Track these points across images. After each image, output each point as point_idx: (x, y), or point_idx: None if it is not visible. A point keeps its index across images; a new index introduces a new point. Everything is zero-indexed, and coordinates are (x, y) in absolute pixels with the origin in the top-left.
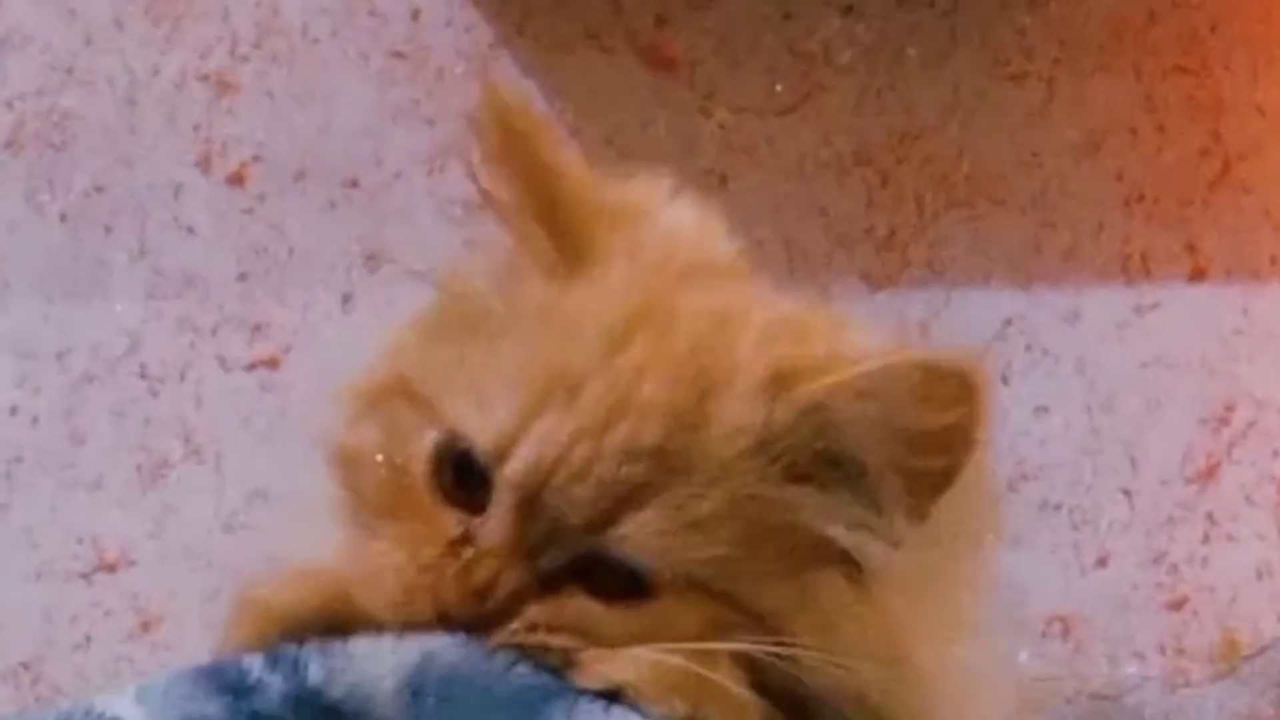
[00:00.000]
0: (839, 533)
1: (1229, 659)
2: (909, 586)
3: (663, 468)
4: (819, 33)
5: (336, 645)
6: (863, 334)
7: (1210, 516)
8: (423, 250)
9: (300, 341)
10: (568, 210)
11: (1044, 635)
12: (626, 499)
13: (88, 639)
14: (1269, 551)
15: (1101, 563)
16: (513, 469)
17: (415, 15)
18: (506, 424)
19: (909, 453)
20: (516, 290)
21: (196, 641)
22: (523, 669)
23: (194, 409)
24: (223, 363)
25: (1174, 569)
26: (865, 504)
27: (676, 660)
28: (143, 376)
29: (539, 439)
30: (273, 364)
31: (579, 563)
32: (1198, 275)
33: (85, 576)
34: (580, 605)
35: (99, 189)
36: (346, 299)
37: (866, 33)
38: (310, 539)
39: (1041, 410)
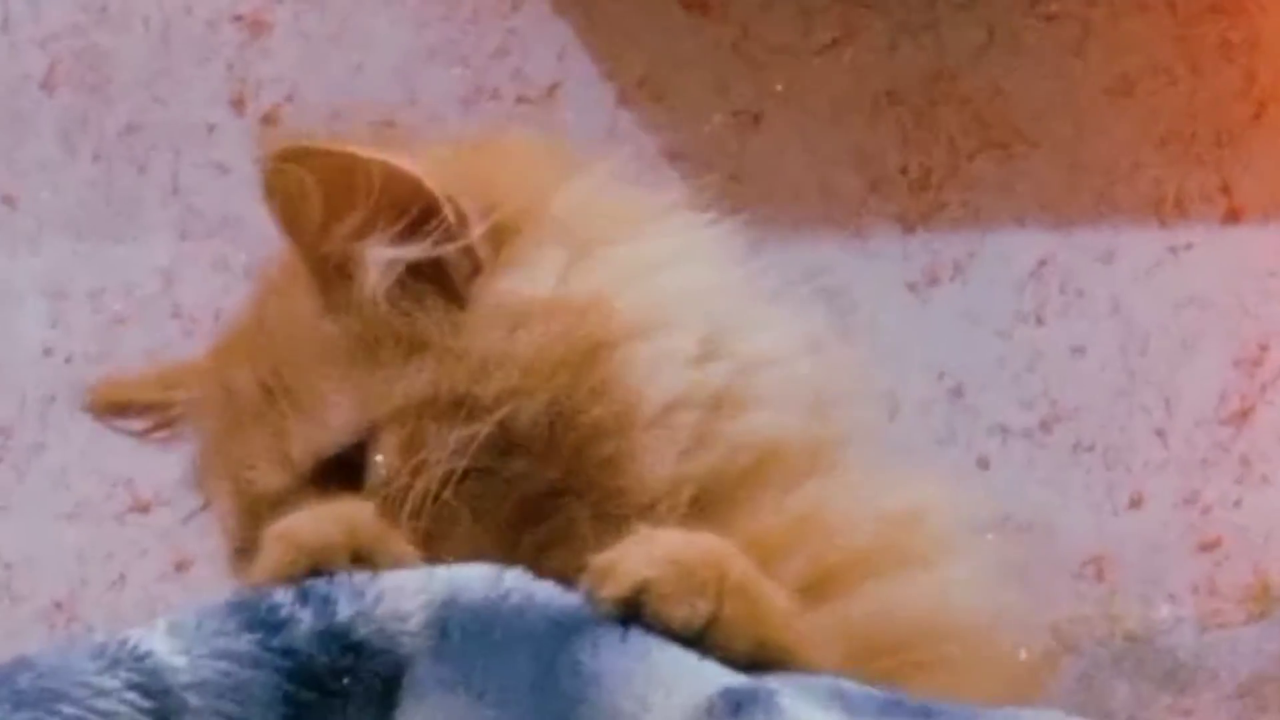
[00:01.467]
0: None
1: (1262, 600)
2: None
3: (281, 390)
4: None
5: (366, 580)
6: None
7: (1244, 458)
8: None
9: None
10: None
11: (1078, 576)
12: (281, 442)
13: (122, 578)
14: None
15: (1135, 504)
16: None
17: None
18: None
19: (348, 216)
20: None
21: (230, 582)
22: (545, 595)
23: None
24: None
25: (1207, 510)
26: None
27: (693, 548)
28: (176, 316)
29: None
30: None
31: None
32: (1232, 216)
33: (119, 516)
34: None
35: (132, 128)
36: None
37: None
38: None
39: (1076, 351)
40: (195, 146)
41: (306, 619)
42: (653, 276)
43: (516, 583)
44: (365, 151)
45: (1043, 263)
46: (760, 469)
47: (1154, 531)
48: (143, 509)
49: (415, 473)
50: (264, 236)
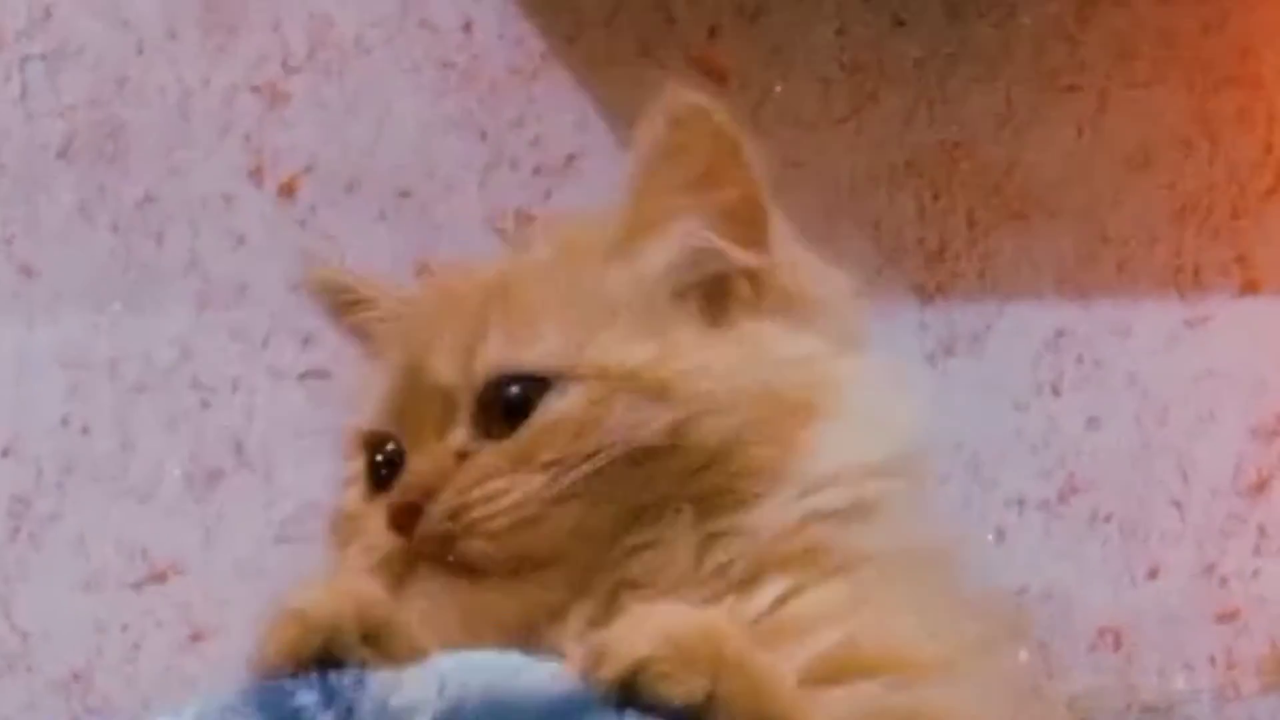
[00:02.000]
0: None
1: (1278, 672)
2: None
3: (494, 307)
4: (871, 45)
5: (388, 679)
6: None
7: (1261, 529)
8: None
9: (351, 352)
10: None
11: (1095, 647)
12: (472, 342)
13: (138, 649)
14: None
15: (1152, 574)
16: (393, 392)
17: (467, 26)
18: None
19: (703, 192)
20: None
21: (247, 653)
22: (547, 676)
23: (245, 419)
24: (274, 373)
25: (1224, 581)
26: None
27: (688, 625)
28: (194, 386)
29: (397, 369)
30: (323, 374)
31: (480, 416)
32: (1249, 288)
33: (136, 586)
34: (481, 455)
35: (151, 199)
36: None
37: (918, 44)
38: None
39: (1093, 422)
40: (213, 217)
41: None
42: (882, 393)
43: (524, 672)
44: (748, 150)
45: (1060, 334)
46: (848, 566)
47: (1171, 602)
48: (159, 578)
49: (579, 434)
50: (280, 307)
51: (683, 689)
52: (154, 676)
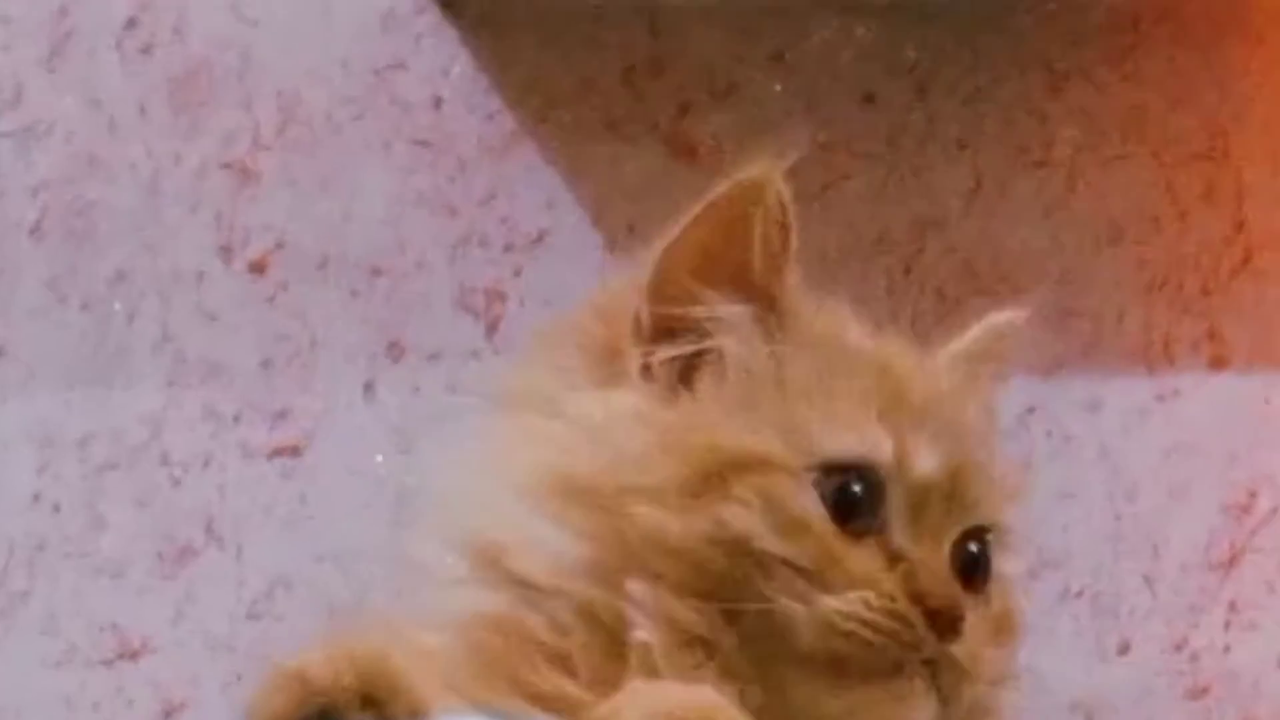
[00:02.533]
0: None
1: None
2: None
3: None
4: (840, 122)
5: None
6: None
7: (1232, 604)
8: (445, 339)
9: (322, 429)
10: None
11: None
12: (985, 470)
13: None
14: None
15: (1123, 650)
16: (931, 467)
17: (437, 103)
18: (890, 437)
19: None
20: (794, 344)
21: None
22: None
23: (216, 496)
24: (245, 450)
25: (1196, 657)
26: None
27: (687, 701)
28: (164, 464)
29: (932, 436)
30: (295, 452)
31: (956, 549)
32: (1219, 363)
33: (107, 664)
34: (971, 604)
35: (121, 276)
36: (368, 387)
37: (888, 121)
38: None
39: (1064, 498)
40: (184, 294)
41: None
42: None
43: None
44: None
45: (1030, 410)
46: None
47: (1143, 678)
48: (131, 656)
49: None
50: (251, 384)
51: None
52: None
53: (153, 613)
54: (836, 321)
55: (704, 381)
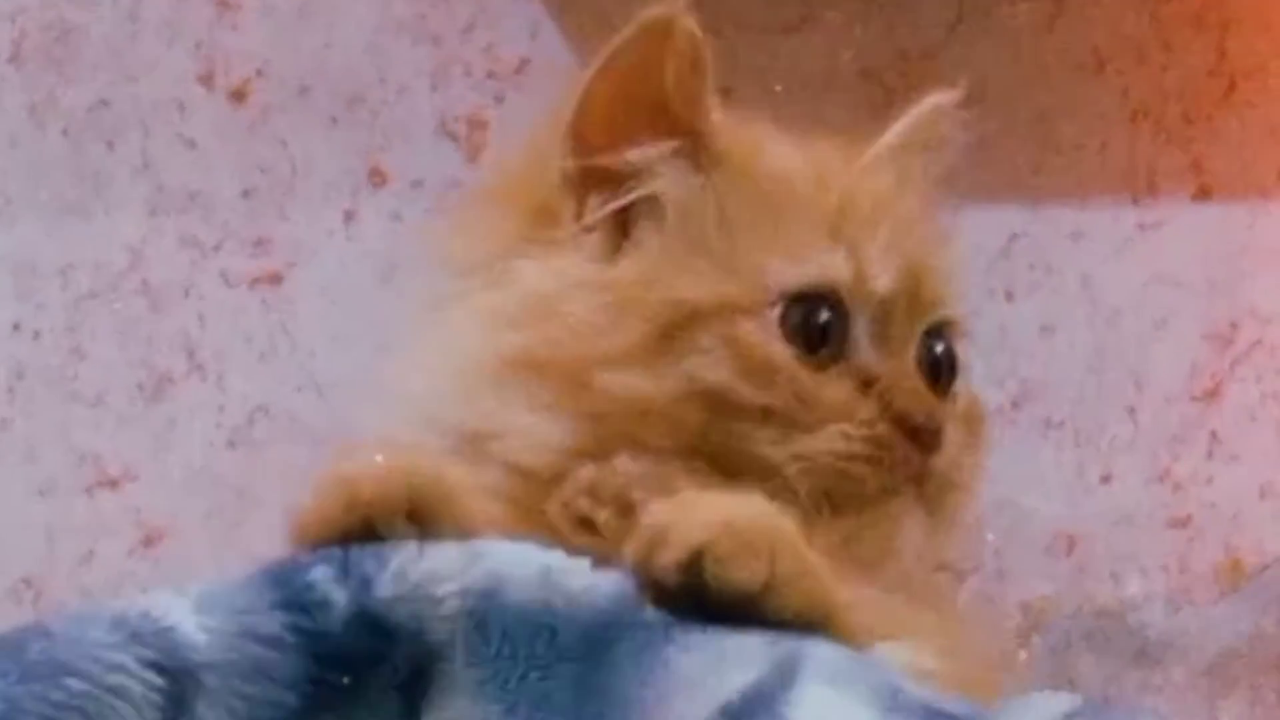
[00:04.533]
0: None
1: (1232, 577)
2: None
3: (919, 234)
4: None
5: (410, 558)
6: None
7: (1214, 435)
8: (426, 167)
9: (303, 258)
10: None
11: (1048, 552)
12: (937, 269)
13: (90, 554)
14: (1272, 470)
15: (1105, 480)
16: (889, 280)
17: None
18: (846, 259)
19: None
20: (727, 178)
21: (199, 557)
22: (589, 595)
23: (196, 325)
24: (225, 279)
25: (1178, 487)
26: None
27: (742, 509)
28: (145, 292)
29: (887, 251)
30: (275, 280)
31: (922, 351)
32: (1203, 193)
33: (88, 492)
34: (945, 409)
35: (101, 104)
36: (349, 215)
37: None
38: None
39: (1046, 329)
40: (164, 123)
41: (342, 601)
42: None
43: (562, 577)
44: None
45: (1013, 239)
46: None
47: (1124, 508)
48: (111, 484)
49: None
50: (232, 213)
51: (744, 573)
52: (106, 582)
53: (133, 441)
54: (764, 141)
55: (645, 230)
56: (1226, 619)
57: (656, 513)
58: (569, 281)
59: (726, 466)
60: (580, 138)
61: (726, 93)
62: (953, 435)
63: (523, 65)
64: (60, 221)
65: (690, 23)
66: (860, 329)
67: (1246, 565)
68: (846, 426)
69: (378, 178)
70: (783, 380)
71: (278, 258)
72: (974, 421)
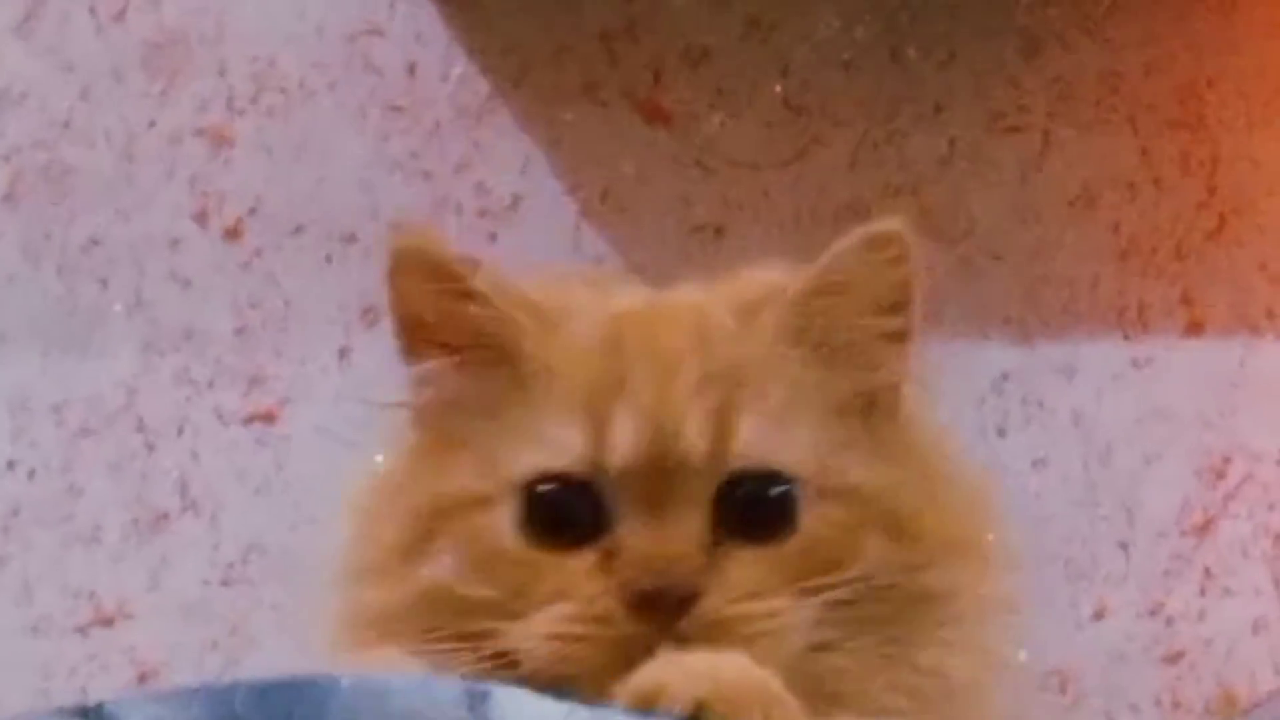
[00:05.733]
0: (878, 379)
1: (1225, 713)
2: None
3: (727, 385)
4: (815, 87)
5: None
6: None
7: (1207, 570)
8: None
9: (297, 395)
10: (512, 297)
11: (1041, 688)
12: (725, 419)
13: (85, 692)
14: (1265, 605)
15: (1098, 615)
16: (629, 450)
17: (411, 69)
18: (583, 437)
19: (882, 313)
20: (496, 372)
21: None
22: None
23: (191, 462)
24: (219, 416)
25: (1170, 622)
26: (866, 365)
27: (729, 665)
28: (139, 430)
29: (624, 423)
30: (269, 418)
31: (723, 506)
32: (1194, 329)
33: (82, 630)
34: (744, 558)
35: (96, 242)
36: (343, 353)
37: (862, 87)
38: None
39: (1038, 463)
40: (158, 260)
41: None
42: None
43: None
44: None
45: (1005, 376)
46: None
47: (1117, 643)
48: (106, 622)
49: (836, 560)
50: (226, 350)
51: None
52: None
53: (128, 579)
54: (551, 315)
55: (425, 427)
56: None
57: (648, 669)
58: (369, 483)
59: (481, 659)
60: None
61: (719, 230)
62: (742, 582)
63: (515, 202)
64: (54, 359)
65: (432, 243)
66: (615, 501)
67: (1240, 700)
68: (564, 607)
69: (371, 315)
70: (504, 570)
71: (272, 395)
72: (817, 557)
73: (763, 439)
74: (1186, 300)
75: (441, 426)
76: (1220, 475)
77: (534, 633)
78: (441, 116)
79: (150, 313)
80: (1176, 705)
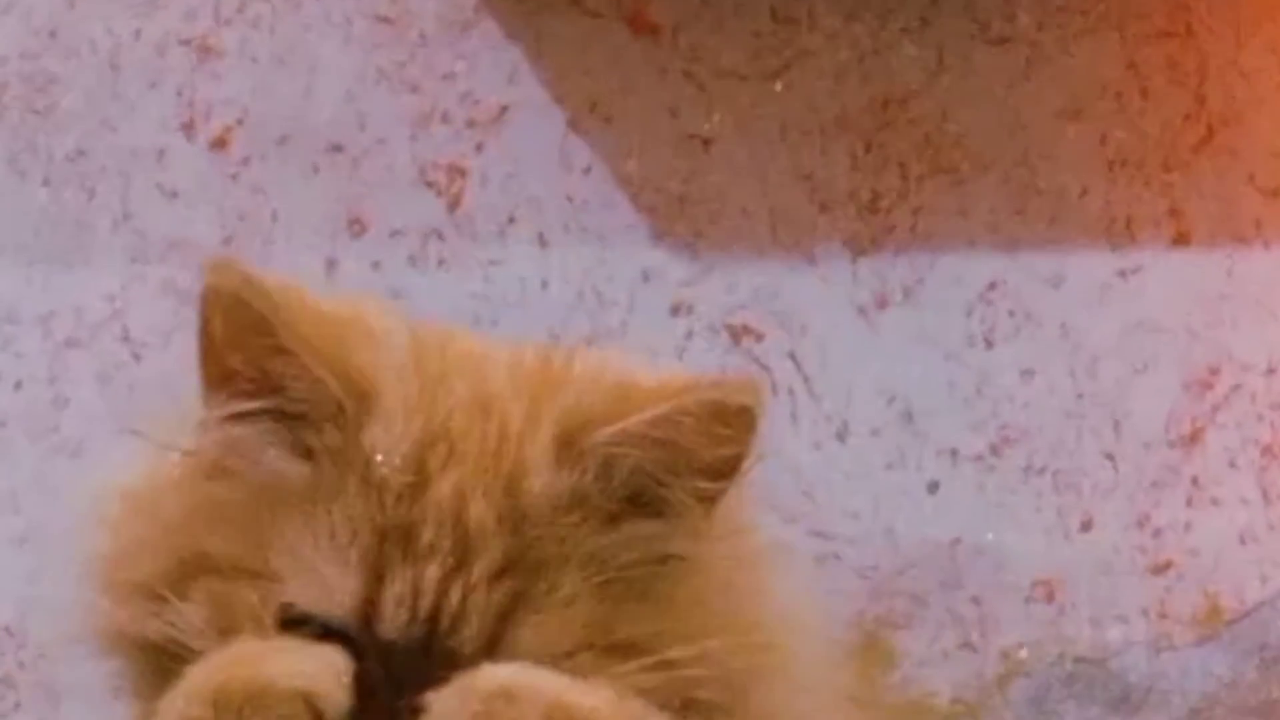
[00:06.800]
0: (667, 546)
1: (1212, 623)
2: (722, 567)
3: (521, 575)
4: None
5: None
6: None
7: (1194, 481)
8: (406, 215)
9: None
10: (325, 361)
11: (1029, 599)
12: (504, 617)
13: (71, 604)
14: (1252, 516)
15: (1085, 527)
16: (391, 628)
17: None
18: (355, 590)
19: (701, 478)
20: (291, 445)
21: None
22: None
23: (178, 373)
24: None
25: (1158, 533)
26: (671, 518)
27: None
28: (126, 341)
29: (403, 594)
30: None
31: None
32: (1181, 239)
33: (69, 541)
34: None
35: (82, 153)
36: (330, 264)
37: None
38: None
39: (1025, 374)
40: (145, 171)
41: None
42: None
43: None
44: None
45: (992, 286)
46: None
47: (1104, 555)
48: None
49: None
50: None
51: None
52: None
53: None
54: (375, 361)
55: (206, 473)
56: (1207, 665)
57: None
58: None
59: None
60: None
61: (706, 142)
62: None
63: (502, 112)
64: (41, 270)
65: (254, 295)
66: (369, 656)
67: (1226, 611)
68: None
69: (357, 226)
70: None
71: None
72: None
73: (541, 640)
74: (1174, 211)
75: (223, 479)
76: (1208, 386)
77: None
78: (428, 27)
79: (137, 224)
80: (1164, 616)
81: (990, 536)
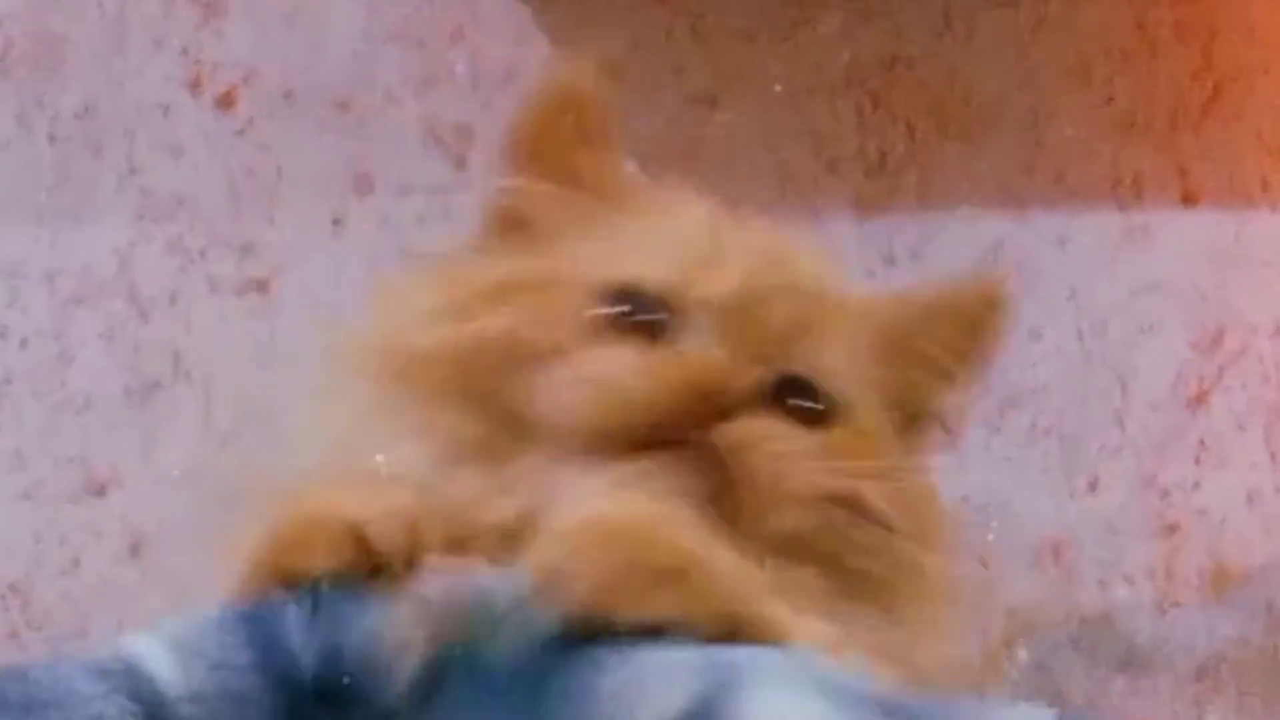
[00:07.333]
0: (921, 404)
1: (1219, 583)
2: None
3: (816, 315)
4: None
5: (383, 603)
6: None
7: (1201, 442)
8: (413, 174)
9: (290, 263)
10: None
11: (1035, 559)
12: (804, 331)
13: (76, 562)
14: (1259, 477)
15: (1092, 487)
16: (720, 288)
17: None
18: (678, 268)
19: (952, 358)
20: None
21: (186, 563)
22: (518, 621)
23: (183, 331)
24: (212, 285)
25: (1165, 494)
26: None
27: (622, 540)
28: (131, 299)
29: (729, 269)
30: (262, 286)
31: (773, 387)
32: (1189, 200)
33: (74, 498)
34: (781, 424)
35: (88, 110)
36: (337, 221)
37: None
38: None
39: (1032, 334)
40: (151, 128)
41: (311, 650)
42: None
43: (498, 611)
44: None
45: (999, 245)
46: None
47: (1111, 515)
48: (97, 491)
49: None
50: (218, 219)
51: (650, 609)
52: (93, 588)
53: (120, 447)
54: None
55: (498, 233)
56: (1213, 625)
57: (542, 550)
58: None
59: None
60: (509, 176)
61: (713, 101)
62: (773, 431)
63: (509, 72)
64: (47, 227)
65: (592, 85)
66: (688, 333)
67: (1233, 571)
68: (625, 355)
69: (364, 184)
70: (568, 328)
71: (265, 263)
72: (845, 449)
73: (831, 363)
74: (1181, 171)
75: (522, 229)
76: (1215, 347)
77: (578, 373)
78: None
79: (143, 181)
80: (1170, 577)
81: (997, 497)
